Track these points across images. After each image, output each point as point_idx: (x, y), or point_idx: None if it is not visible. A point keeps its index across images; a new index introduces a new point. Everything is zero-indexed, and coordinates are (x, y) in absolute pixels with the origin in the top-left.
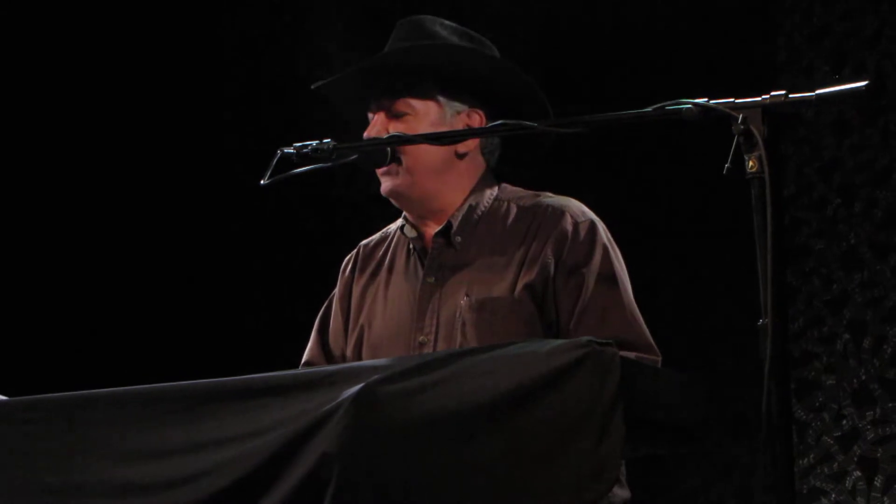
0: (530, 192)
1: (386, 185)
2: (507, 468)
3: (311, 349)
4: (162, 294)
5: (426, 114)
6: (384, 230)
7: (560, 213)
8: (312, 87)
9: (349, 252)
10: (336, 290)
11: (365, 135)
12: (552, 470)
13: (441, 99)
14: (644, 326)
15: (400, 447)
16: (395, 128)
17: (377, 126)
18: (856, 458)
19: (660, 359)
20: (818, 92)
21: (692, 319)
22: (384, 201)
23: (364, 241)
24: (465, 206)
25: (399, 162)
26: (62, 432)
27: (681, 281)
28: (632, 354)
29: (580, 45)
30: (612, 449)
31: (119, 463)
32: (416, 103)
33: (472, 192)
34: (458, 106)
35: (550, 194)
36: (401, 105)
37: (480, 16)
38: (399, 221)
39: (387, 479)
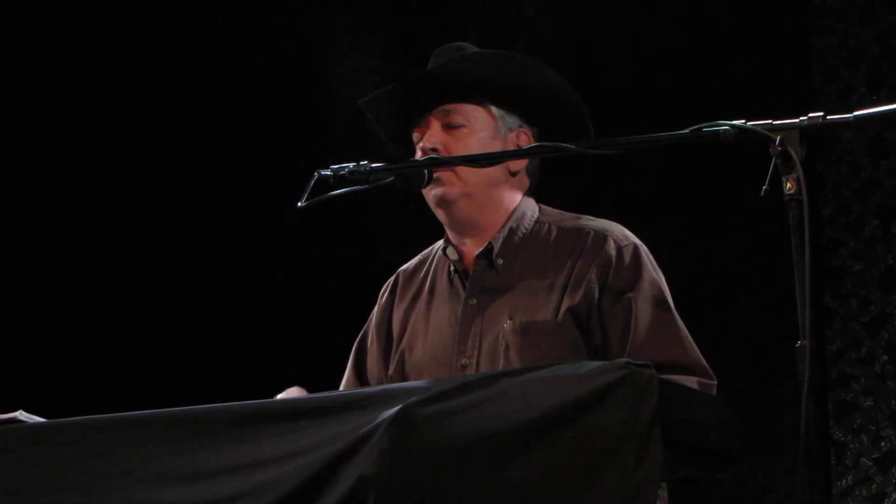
0: (571, 215)
1: (437, 191)
2: (543, 490)
3: (348, 379)
4: (196, 318)
5: (482, 126)
6: (422, 254)
7: (603, 237)
8: (360, 101)
9: (385, 276)
10: (372, 318)
11: (423, 144)
12: (589, 492)
13: (494, 109)
14: (697, 350)
15: (437, 469)
16: (449, 139)
17: (433, 137)
18: (894, 480)
19: (715, 382)
20: (856, 113)
21: (729, 341)
22: (420, 225)
23: (403, 267)
24: (507, 228)
25: (448, 170)
26: (100, 455)
27: (718, 303)
28: (693, 380)
29: (615, 67)
30: (649, 472)
31: (155, 485)
32: (471, 111)
33: (514, 212)
34: (511, 121)
35: (591, 217)
36: (456, 116)
37: (514, 37)
38: (439, 244)
39: (424, 501)
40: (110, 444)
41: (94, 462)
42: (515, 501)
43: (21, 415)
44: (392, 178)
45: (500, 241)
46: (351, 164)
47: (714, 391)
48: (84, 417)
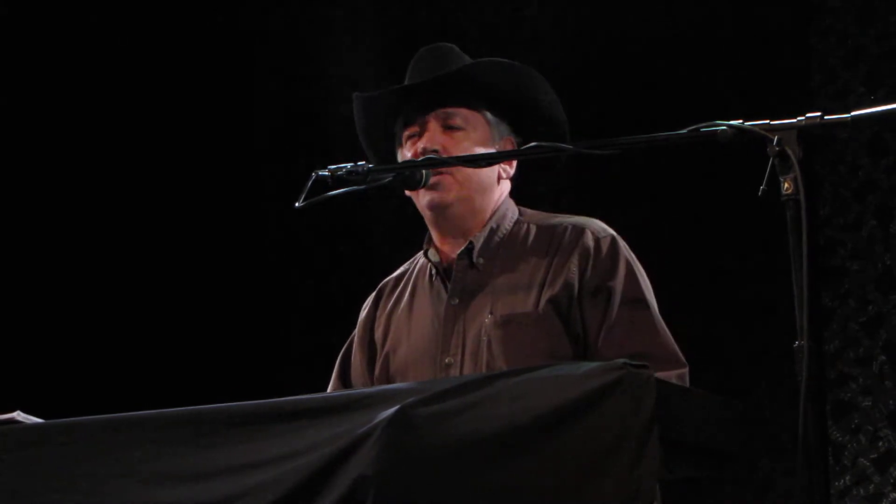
0: (548, 214)
1: (434, 196)
2: (542, 491)
3: (333, 388)
4: (195, 318)
5: (479, 131)
6: (407, 263)
7: (580, 230)
8: (364, 96)
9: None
10: (355, 333)
11: (424, 144)
12: (587, 492)
13: (489, 116)
14: (670, 338)
15: (435, 470)
16: (449, 141)
17: (434, 139)
18: (892, 480)
19: (687, 369)
20: (854, 113)
21: (727, 341)
22: (419, 224)
23: (385, 280)
24: (487, 228)
25: (444, 173)
26: (98, 455)
27: (716, 303)
28: (672, 374)
29: (614, 67)
30: (647, 471)
31: (154, 486)
32: (469, 116)
33: (495, 213)
34: (502, 129)
35: (568, 214)
36: (455, 119)
37: (514, 37)
38: (421, 251)
39: (422, 501)
40: (109, 444)
41: (93, 462)
42: (514, 501)
43: (19, 415)
44: (389, 179)
45: (481, 240)
46: (349, 165)
47: (686, 379)
48: (82, 418)
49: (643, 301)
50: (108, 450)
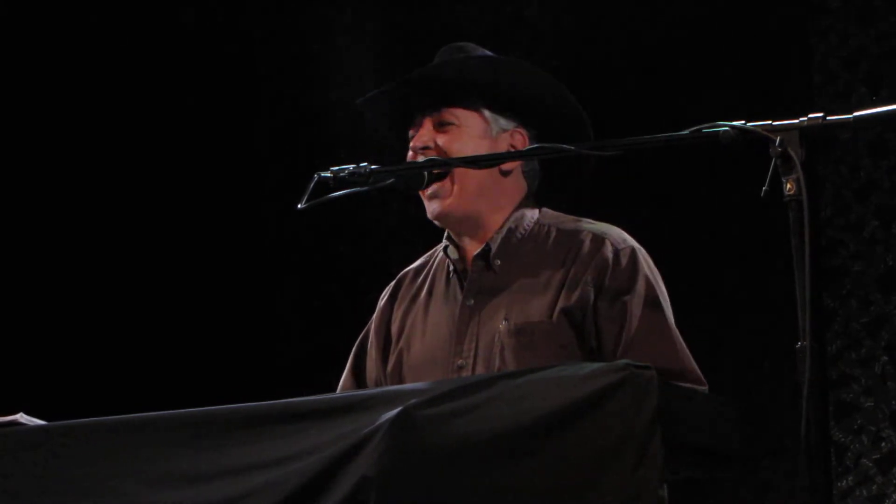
0: (570, 217)
1: (434, 207)
2: (544, 491)
3: (345, 381)
4: (197, 320)
5: (472, 126)
6: (426, 255)
7: (601, 239)
8: (358, 101)
9: (385, 277)
10: (371, 323)
11: (413, 143)
12: (590, 493)
13: (487, 113)
14: (689, 355)
15: (437, 471)
16: (441, 138)
17: (424, 136)
18: (895, 481)
19: (706, 388)
20: (856, 114)
21: (729, 342)
22: (420, 225)
23: (406, 269)
24: (505, 229)
25: (444, 179)
26: (100, 457)
27: (718, 303)
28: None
29: (615, 68)
30: (649, 473)
31: (157, 487)
32: (463, 114)
33: (513, 214)
34: (503, 123)
35: (591, 220)
36: (447, 115)
37: (514, 37)
38: (442, 243)
39: (424, 502)
40: (111, 446)
41: (95, 464)
42: (516, 502)
43: (22, 417)
44: (392, 180)
45: (498, 242)
46: (351, 166)
47: None
48: (85, 420)
49: (663, 316)
50: (111, 452)
